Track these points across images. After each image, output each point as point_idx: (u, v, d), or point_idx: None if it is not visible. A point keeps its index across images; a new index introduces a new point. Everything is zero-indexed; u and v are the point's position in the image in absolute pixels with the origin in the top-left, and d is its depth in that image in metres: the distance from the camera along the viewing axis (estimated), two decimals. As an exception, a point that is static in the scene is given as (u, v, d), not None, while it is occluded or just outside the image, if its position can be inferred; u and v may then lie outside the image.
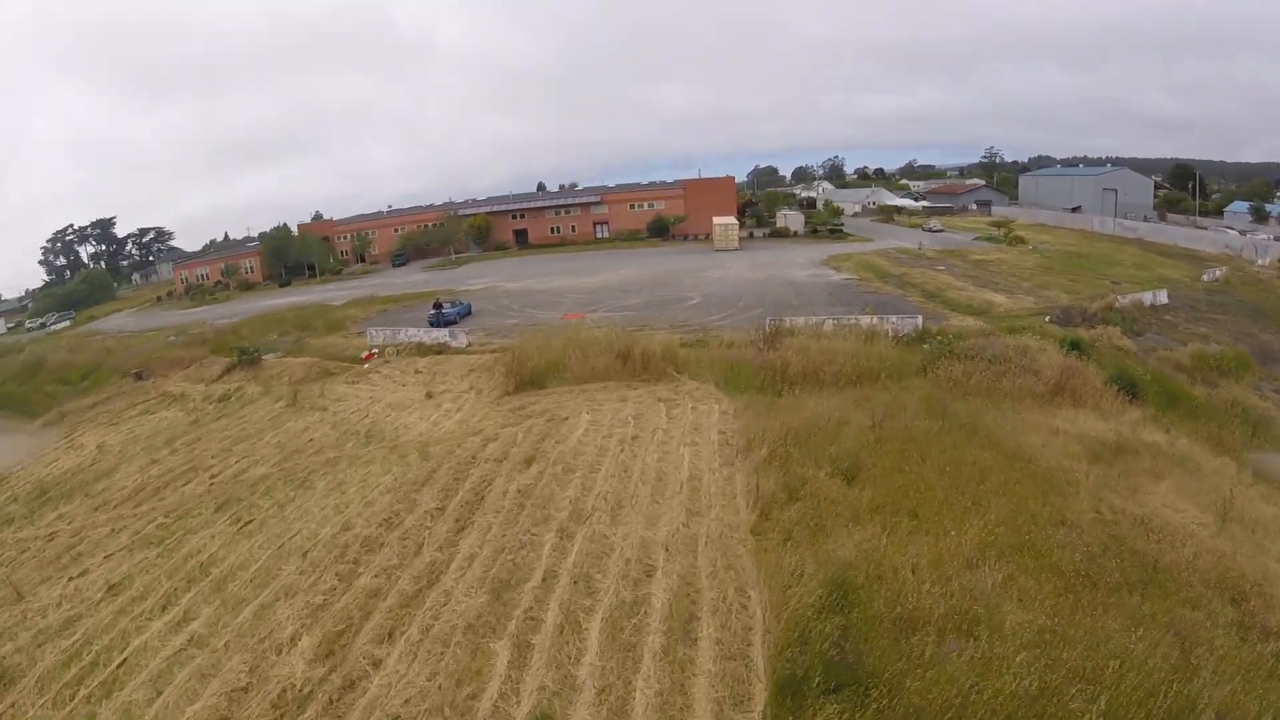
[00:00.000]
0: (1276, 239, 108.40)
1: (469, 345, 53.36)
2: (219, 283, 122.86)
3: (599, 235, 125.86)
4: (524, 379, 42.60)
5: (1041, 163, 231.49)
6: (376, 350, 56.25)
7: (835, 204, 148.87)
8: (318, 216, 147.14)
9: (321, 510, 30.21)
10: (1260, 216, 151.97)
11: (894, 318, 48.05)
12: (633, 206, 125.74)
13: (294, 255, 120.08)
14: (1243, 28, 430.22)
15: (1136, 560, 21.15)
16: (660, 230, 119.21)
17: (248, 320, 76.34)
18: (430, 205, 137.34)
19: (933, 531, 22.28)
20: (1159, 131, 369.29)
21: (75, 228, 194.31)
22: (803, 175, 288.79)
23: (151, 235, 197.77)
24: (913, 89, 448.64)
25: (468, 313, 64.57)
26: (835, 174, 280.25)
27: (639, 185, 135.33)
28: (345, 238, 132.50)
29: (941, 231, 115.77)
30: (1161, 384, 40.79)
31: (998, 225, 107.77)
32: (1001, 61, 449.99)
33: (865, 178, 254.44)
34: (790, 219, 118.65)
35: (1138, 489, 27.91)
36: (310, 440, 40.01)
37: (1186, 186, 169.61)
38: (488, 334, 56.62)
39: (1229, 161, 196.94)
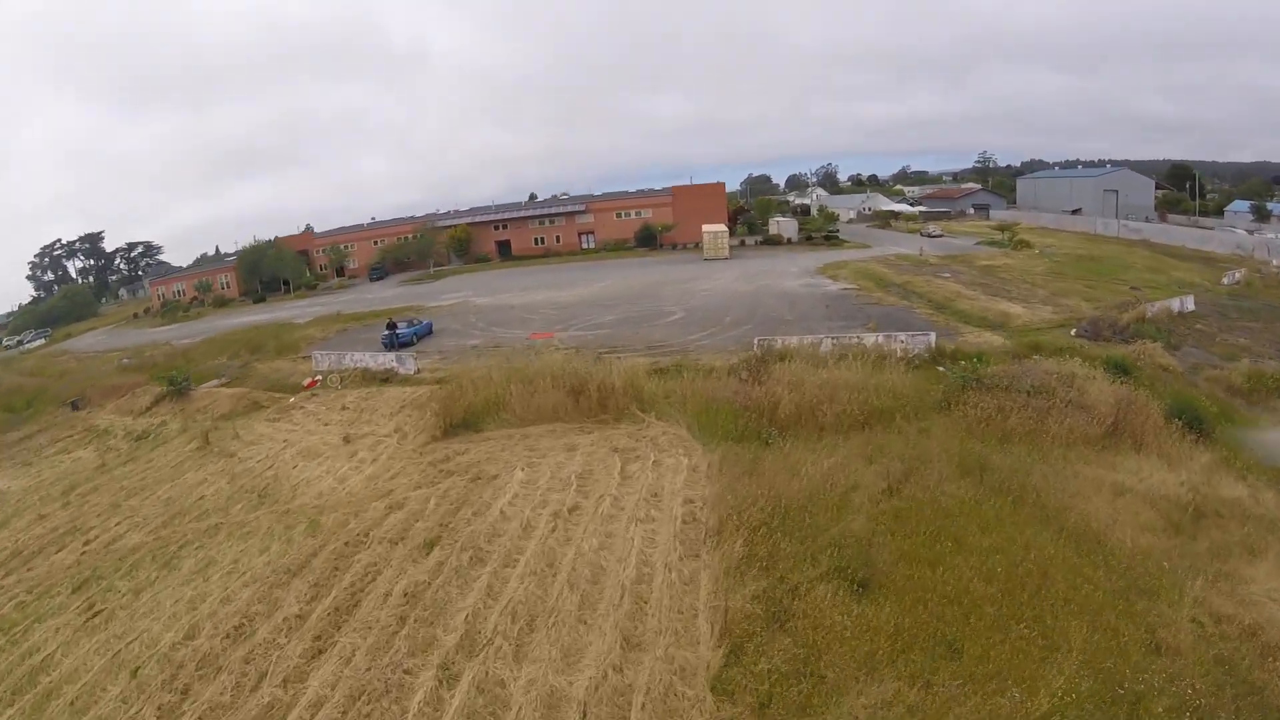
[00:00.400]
0: None
1: (418, 371, 45.27)
2: (194, 299, 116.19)
3: (585, 245, 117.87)
4: (456, 421, 34.59)
5: (1035, 166, 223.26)
6: (320, 377, 48.18)
7: (830, 210, 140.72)
8: (308, 229, 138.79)
9: (174, 604, 23.35)
10: (1262, 215, 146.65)
11: (902, 336, 39.82)
12: (619, 215, 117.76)
13: (269, 270, 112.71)
14: (1237, 30, 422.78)
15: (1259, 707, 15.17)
16: (648, 239, 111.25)
17: (206, 341, 68.51)
18: (411, 217, 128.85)
19: (985, 683, 14.40)
20: (1152, 133, 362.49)
21: (64, 242, 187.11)
22: (796, 183, 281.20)
23: (140, 250, 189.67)
24: (905, 95, 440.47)
25: (427, 332, 57.06)
26: (829, 181, 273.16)
27: (626, 193, 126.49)
28: (323, 251, 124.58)
29: (941, 236, 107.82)
30: (1230, 417, 32.53)
31: (1001, 229, 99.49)
32: (994, 66, 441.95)
33: (859, 184, 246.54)
34: (783, 226, 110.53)
35: (1235, 575, 21.00)
36: (201, 499, 32.53)
37: (1184, 187, 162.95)
38: (443, 357, 48.70)
39: (1222, 162, 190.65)
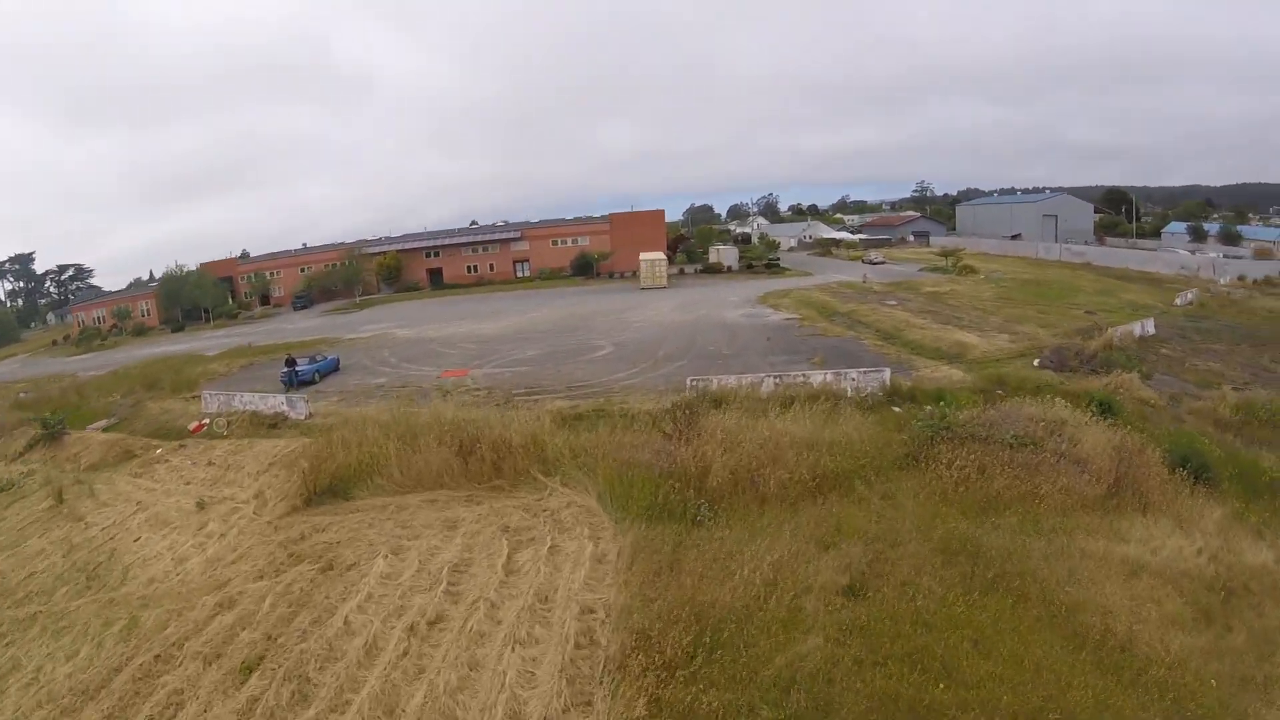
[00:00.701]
0: (1227, 256, 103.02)
1: (309, 416, 38.62)
2: (113, 327, 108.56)
3: (519, 274, 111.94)
4: (324, 486, 27.99)
5: (972, 195, 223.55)
6: (208, 420, 41.32)
7: (771, 238, 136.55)
8: (243, 254, 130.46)
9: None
10: (1199, 236, 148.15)
11: (853, 373, 34.23)
12: (555, 243, 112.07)
13: (190, 298, 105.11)
14: (1169, 59, 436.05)
15: None
16: (584, 268, 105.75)
17: (110, 374, 60.60)
18: (340, 243, 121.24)
19: None
20: (1086, 160, 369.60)
21: None
22: (738, 212, 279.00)
23: (70, 272, 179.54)
24: (846, 127, 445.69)
25: (332, 369, 50.18)
26: (770, 211, 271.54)
27: (563, 220, 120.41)
28: (245, 279, 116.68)
29: (883, 263, 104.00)
30: (1237, 462, 27.44)
31: (945, 255, 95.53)
32: (933, 98, 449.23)
33: (800, 213, 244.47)
34: (724, 254, 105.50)
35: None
36: (30, 576, 26.33)
37: (1120, 211, 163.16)
38: (342, 399, 41.92)
39: (1154, 186, 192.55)
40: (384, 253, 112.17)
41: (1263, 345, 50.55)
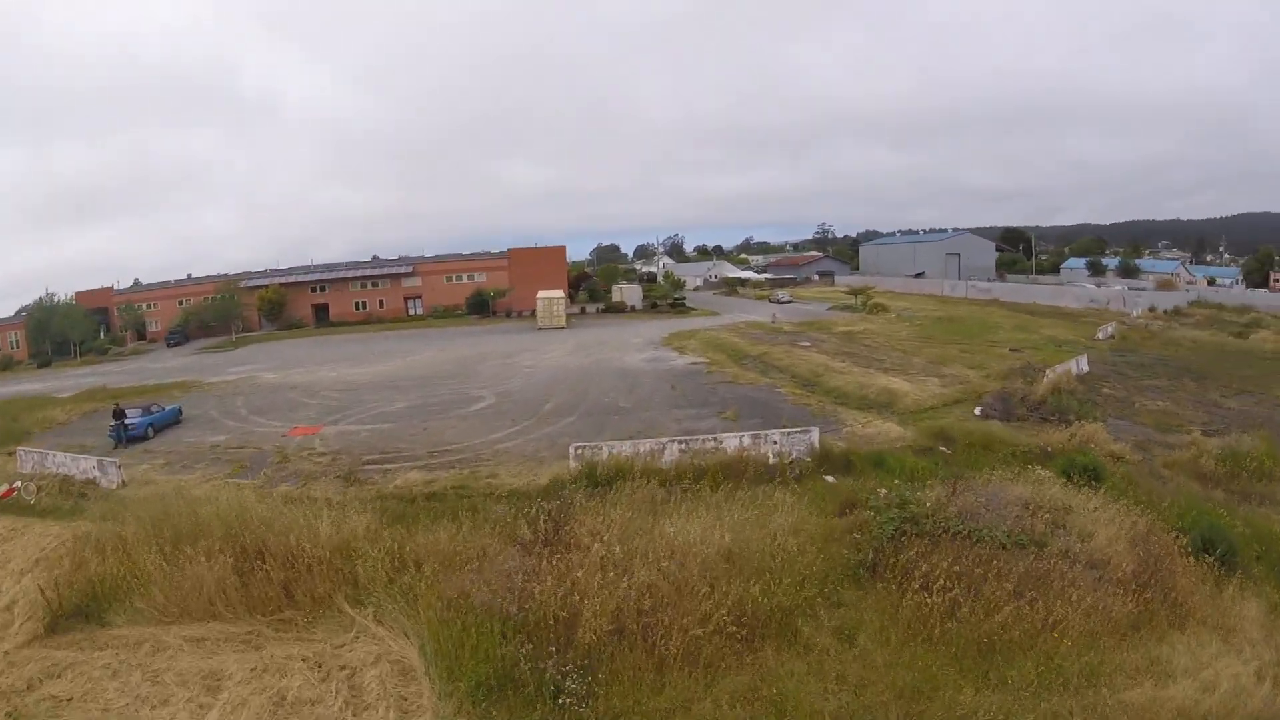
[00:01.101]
0: (1132, 289, 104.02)
1: (122, 485, 29.52)
2: None
3: (412, 311, 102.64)
4: (76, 605, 19.29)
5: (871, 236, 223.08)
6: (19, 484, 31.65)
7: (677, 276, 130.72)
8: (136, 284, 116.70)
9: None
10: (1098, 271, 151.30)
11: (775, 434, 27.10)
12: (450, 279, 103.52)
13: (59, 331, 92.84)
14: (1057, 104, 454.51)
15: None
16: (480, 306, 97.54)
17: None
18: (223, 275, 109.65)
19: None
20: (978, 203, 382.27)
21: None
22: (644, 252, 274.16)
23: None
24: (749, 170, 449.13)
25: (173, 421, 40.63)
26: (676, 251, 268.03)
27: (460, 255, 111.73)
28: (120, 310, 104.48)
29: (791, 302, 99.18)
30: (1257, 533, 21.36)
31: (854, 293, 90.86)
32: (833, 143, 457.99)
33: (705, 254, 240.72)
34: (627, 293, 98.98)
35: None
36: None
37: (1017, 248, 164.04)
38: (169, 462, 32.76)
39: (1045, 226, 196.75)
40: (266, 286, 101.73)
41: (1204, 379, 46.85)
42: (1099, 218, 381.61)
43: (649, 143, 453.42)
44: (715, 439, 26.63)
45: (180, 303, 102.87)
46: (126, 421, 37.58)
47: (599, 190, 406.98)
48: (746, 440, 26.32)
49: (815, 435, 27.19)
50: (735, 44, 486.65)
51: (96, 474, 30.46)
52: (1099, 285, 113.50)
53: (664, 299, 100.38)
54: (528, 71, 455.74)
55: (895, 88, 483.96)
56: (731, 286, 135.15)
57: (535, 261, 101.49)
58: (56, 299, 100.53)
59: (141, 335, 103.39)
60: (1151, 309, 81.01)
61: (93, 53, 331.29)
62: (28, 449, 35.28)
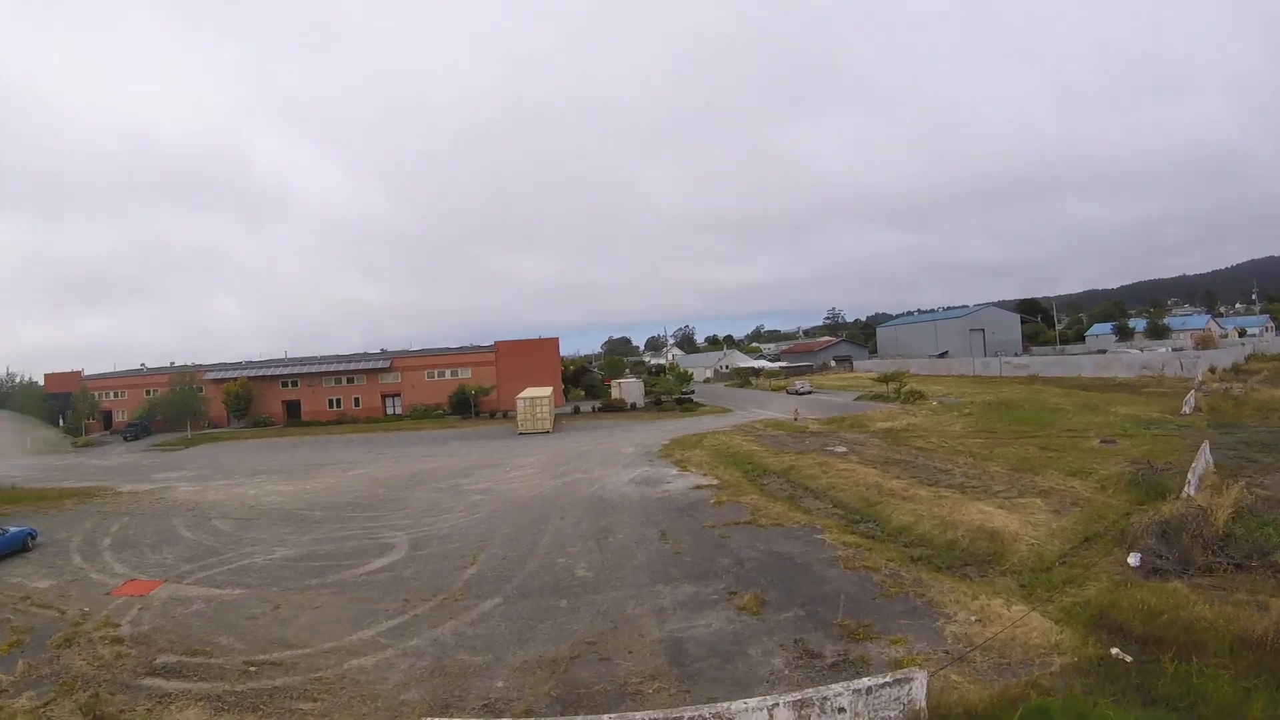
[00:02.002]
0: (1177, 350, 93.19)
1: None
2: None
3: (390, 410, 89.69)
4: None
5: (881, 319, 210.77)
6: None
7: (683, 368, 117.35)
8: (143, 368, 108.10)
9: None
10: (1125, 334, 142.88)
11: (838, 690, 12.75)
12: (432, 375, 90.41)
13: (12, 413, 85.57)
14: (1053, 175, 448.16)
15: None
16: (463, 405, 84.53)
17: None
18: (194, 365, 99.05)
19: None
20: (983, 278, 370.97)
21: None
22: (655, 343, 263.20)
23: None
24: (754, 258, 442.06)
25: (18, 546, 31.43)
26: (687, 342, 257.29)
27: (446, 349, 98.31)
28: (74, 397, 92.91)
29: (811, 393, 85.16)
30: None
31: (885, 380, 76.31)
32: (835, 227, 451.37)
33: (716, 343, 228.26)
34: (627, 389, 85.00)
35: None
36: None
37: (1036, 319, 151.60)
38: None
39: (1052, 295, 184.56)
40: (233, 380, 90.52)
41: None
42: (1104, 282, 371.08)
43: (656, 235, 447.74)
44: (717, 715, 12.23)
45: (147, 393, 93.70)
46: None
47: (608, 283, 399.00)
48: (785, 715, 12.03)
49: (919, 686, 12.90)
50: (735, 136, 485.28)
51: None
52: (1138, 350, 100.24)
53: (668, 394, 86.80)
54: (536, 170, 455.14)
55: (894, 171, 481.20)
56: (744, 377, 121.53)
57: (525, 355, 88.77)
58: (17, 379, 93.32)
59: (108, 425, 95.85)
60: (1212, 370, 70.79)
61: (109, 141, 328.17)
62: None
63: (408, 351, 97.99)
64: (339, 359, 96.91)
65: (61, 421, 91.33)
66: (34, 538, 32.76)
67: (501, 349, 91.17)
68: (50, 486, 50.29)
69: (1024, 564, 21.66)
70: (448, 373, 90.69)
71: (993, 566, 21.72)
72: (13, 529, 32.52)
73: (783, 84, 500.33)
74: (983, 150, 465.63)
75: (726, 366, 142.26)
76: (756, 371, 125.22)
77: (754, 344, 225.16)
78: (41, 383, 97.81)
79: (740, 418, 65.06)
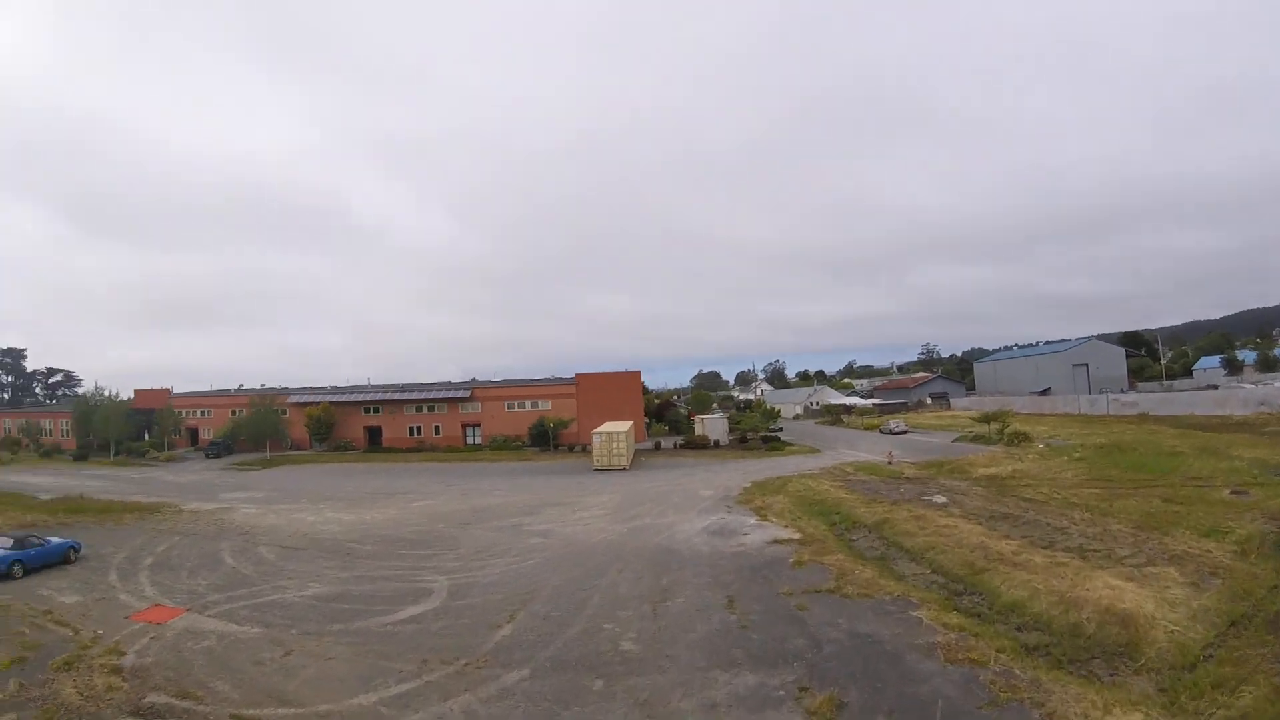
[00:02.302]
0: None
1: None
2: (25, 443, 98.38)
3: (470, 440, 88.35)
4: None
5: (978, 354, 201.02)
6: None
7: (771, 405, 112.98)
8: (242, 388, 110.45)
9: None
10: (1235, 368, 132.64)
11: None
12: (511, 406, 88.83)
13: (98, 426, 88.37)
14: (1149, 203, 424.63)
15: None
16: (541, 438, 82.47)
17: None
18: (283, 388, 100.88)
19: None
20: (1080, 310, 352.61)
21: None
22: (745, 378, 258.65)
23: (59, 377, 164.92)
24: (845, 293, 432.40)
25: (59, 559, 31.34)
26: (777, 377, 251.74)
27: (528, 380, 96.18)
28: (159, 414, 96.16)
29: (906, 432, 79.95)
30: None
31: (986, 419, 70.58)
32: (930, 263, 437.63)
33: (806, 378, 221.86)
34: (710, 426, 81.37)
35: None
36: None
37: (1140, 352, 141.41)
38: None
39: (1153, 328, 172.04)
40: (316, 404, 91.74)
41: None
42: (1207, 312, 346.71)
43: (746, 271, 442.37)
44: None
45: (233, 413, 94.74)
46: None
47: (699, 319, 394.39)
48: None
49: None
50: (827, 173, 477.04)
51: None
52: (1252, 384, 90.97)
53: (754, 431, 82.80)
54: (623, 203, 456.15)
55: (986, 204, 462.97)
56: (835, 414, 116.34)
57: (607, 388, 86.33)
58: (105, 394, 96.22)
59: (194, 442, 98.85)
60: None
61: (215, 175, 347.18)
62: None
63: (489, 382, 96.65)
64: (421, 387, 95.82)
65: (146, 436, 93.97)
66: (77, 551, 32.44)
67: (582, 381, 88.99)
68: (117, 499, 50.52)
69: (1163, 659, 17.47)
70: (528, 404, 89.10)
71: (1125, 661, 17.60)
72: (55, 541, 32.26)
73: (875, 120, 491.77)
74: (1073, 179, 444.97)
75: (817, 403, 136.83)
76: (848, 409, 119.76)
77: (846, 379, 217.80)
78: (131, 398, 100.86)
79: (829, 459, 60.72)
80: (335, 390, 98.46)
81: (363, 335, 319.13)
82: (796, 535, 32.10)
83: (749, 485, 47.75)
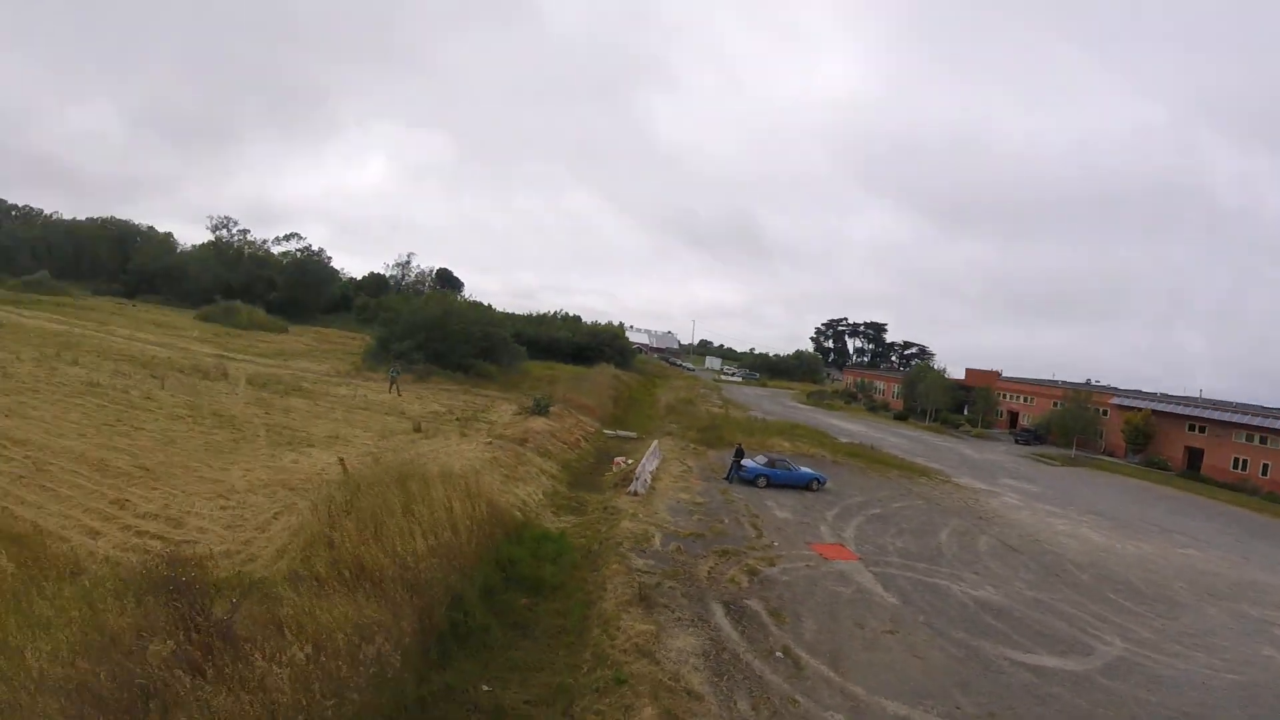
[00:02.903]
0: None
1: (634, 494, 30.39)
2: (851, 395, 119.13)
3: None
4: None
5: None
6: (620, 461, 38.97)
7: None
8: (1087, 383, 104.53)
9: None
10: None
11: None
12: None
13: (921, 394, 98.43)
14: None
15: None
16: None
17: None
18: (1109, 387, 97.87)
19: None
20: None
21: (849, 322, 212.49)
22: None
23: (914, 350, 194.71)
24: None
25: (802, 484, 37.49)
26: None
27: None
28: (1006, 396, 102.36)
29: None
30: None
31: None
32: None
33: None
34: None
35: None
36: None
37: None
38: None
39: None
40: (1135, 410, 79.86)
41: None
42: None
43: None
44: None
45: (1054, 404, 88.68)
46: (742, 462, 38.09)
47: None
48: None
49: None
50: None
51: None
52: None
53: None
54: None
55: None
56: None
57: None
58: (934, 368, 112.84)
59: (1013, 424, 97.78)
60: None
61: (1055, 165, 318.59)
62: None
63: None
64: (1260, 411, 73.43)
65: (965, 411, 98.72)
66: (820, 483, 37.65)
67: None
68: (899, 456, 53.26)
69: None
70: None
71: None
72: (803, 470, 38.59)
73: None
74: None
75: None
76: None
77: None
78: (962, 376, 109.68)
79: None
80: (1165, 399, 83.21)
81: (1223, 338, 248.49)
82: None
83: None
